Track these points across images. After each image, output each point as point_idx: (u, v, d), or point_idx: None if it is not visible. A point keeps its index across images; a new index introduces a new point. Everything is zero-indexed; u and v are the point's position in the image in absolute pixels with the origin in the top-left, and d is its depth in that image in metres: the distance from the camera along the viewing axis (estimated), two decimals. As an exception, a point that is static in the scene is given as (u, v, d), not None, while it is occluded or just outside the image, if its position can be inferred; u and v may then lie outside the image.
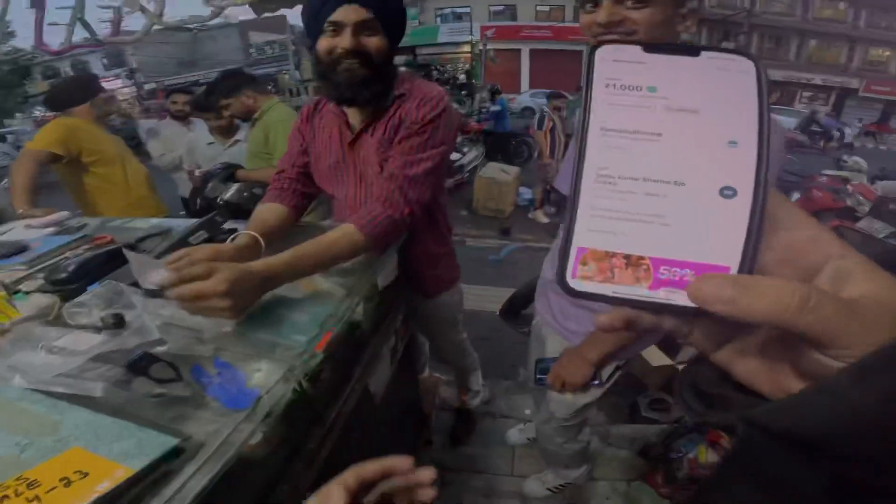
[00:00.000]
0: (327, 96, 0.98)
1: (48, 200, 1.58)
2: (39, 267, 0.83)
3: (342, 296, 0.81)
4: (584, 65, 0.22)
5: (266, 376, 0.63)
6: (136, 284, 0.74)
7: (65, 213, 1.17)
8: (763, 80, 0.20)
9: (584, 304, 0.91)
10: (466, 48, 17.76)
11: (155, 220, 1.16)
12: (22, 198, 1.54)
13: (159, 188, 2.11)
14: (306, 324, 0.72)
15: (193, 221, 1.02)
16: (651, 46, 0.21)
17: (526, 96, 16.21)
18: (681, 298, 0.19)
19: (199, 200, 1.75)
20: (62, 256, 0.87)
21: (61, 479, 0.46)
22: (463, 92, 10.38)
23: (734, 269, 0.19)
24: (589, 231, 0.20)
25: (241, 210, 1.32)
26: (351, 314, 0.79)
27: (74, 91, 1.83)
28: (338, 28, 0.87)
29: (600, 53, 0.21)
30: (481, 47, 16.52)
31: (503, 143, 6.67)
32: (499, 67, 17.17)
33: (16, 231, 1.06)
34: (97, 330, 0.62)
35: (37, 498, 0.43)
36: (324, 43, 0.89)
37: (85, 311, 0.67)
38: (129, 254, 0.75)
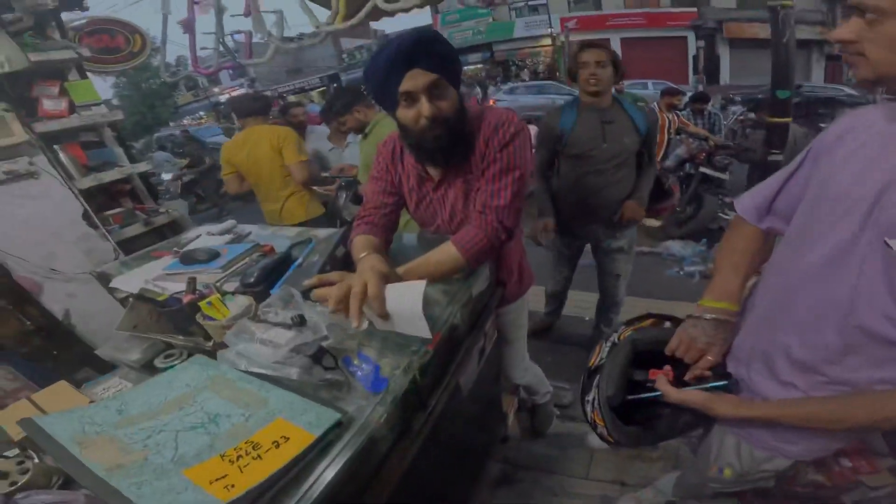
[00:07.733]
0: (419, 160, 1.04)
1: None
2: (231, 270, 1.10)
3: (446, 303, 0.95)
4: None
5: (392, 368, 0.80)
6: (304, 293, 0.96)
7: (232, 222, 1.48)
8: None
9: None
10: (546, 41, 17.16)
11: (298, 229, 1.42)
12: None
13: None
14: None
15: (332, 235, 1.24)
16: None
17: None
18: None
19: (337, 220, 2.21)
20: (245, 262, 1.13)
21: (273, 442, 0.62)
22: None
23: None
24: None
25: None
26: (452, 318, 0.93)
27: (257, 103, 2.48)
28: (410, 97, 0.88)
29: None
30: (563, 39, 15.88)
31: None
32: (583, 60, 16.25)
33: (202, 238, 1.38)
34: (287, 327, 0.83)
35: (259, 456, 0.60)
36: (406, 114, 0.91)
37: (273, 311, 0.90)
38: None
